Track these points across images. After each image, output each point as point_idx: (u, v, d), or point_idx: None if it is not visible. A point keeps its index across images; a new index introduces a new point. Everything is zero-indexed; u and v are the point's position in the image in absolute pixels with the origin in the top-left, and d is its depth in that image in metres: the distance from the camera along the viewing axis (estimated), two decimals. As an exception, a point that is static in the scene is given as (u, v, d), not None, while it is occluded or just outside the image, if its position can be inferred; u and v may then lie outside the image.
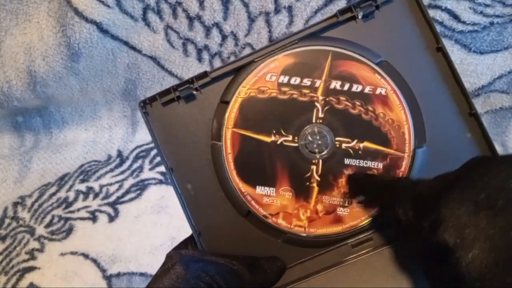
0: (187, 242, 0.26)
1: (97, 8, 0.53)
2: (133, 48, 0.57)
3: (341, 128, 0.26)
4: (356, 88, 0.26)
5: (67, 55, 0.56)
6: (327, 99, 0.26)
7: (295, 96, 0.26)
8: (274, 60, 0.26)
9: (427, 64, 0.26)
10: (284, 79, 0.26)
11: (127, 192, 0.54)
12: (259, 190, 0.26)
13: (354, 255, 0.25)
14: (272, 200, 0.26)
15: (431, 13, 0.52)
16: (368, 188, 0.24)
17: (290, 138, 0.26)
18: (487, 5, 0.51)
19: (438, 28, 0.52)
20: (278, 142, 0.26)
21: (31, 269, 0.47)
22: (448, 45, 0.52)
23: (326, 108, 0.26)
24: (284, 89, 0.26)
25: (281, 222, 0.26)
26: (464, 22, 0.52)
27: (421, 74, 0.26)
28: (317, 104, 0.26)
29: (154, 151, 0.60)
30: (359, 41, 0.26)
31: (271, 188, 0.26)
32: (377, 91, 0.26)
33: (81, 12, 0.53)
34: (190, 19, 0.55)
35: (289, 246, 0.26)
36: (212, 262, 0.23)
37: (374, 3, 0.26)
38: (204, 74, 0.26)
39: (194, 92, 0.27)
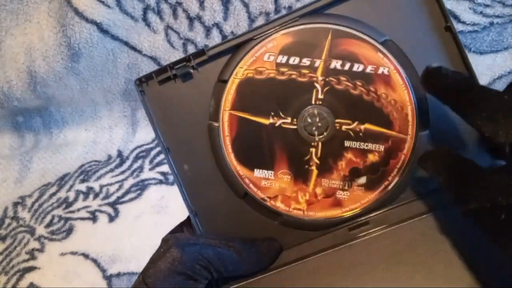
0: (183, 226, 0.26)
1: (98, 9, 0.53)
2: (133, 48, 0.57)
3: (341, 110, 0.25)
4: (358, 67, 0.25)
5: (67, 55, 0.56)
6: (327, 79, 0.25)
7: (294, 76, 0.25)
8: (272, 39, 0.25)
9: (434, 44, 0.25)
10: (282, 59, 0.25)
11: (127, 192, 0.54)
12: (257, 173, 0.26)
13: (350, 238, 0.25)
14: (271, 183, 0.26)
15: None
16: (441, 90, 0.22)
17: (289, 120, 0.26)
18: (487, 6, 0.51)
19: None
20: (277, 124, 0.26)
21: (31, 269, 0.47)
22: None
23: (326, 88, 0.25)
24: (282, 69, 0.25)
25: (279, 205, 0.26)
26: (464, 22, 0.52)
27: (427, 54, 0.25)
28: (316, 84, 0.25)
29: (154, 151, 0.60)
30: (363, 19, 0.25)
31: (270, 171, 0.26)
32: (380, 71, 0.25)
33: (82, 12, 0.53)
34: (190, 20, 0.55)
35: (286, 229, 0.26)
36: (208, 244, 0.23)
37: None
38: (202, 52, 0.25)
39: (191, 71, 0.26)
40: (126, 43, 0.57)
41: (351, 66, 0.25)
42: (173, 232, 0.25)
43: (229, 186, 0.26)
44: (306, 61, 0.25)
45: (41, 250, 0.49)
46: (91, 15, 0.53)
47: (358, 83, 0.25)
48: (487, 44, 0.52)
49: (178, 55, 0.58)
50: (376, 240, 0.24)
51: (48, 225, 0.52)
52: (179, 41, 0.57)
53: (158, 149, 0.61)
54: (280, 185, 0.26)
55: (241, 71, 0.26)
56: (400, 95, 0.25)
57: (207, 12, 0.55)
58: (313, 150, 0.26)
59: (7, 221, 0.54)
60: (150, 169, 0.57)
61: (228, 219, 0.26)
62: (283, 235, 0.26)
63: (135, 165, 0.58)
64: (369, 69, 0.25)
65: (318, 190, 0.26)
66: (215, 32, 0.56)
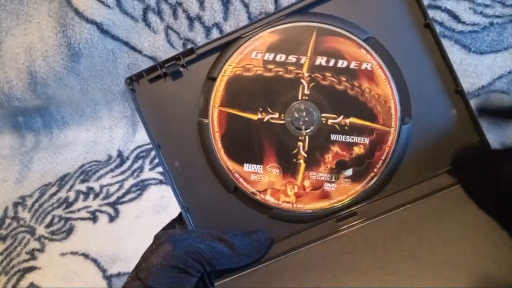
0: (174, 223, 0.26)
1: (98, 9, 0.53)
2: (133, 48, 0.58)
3: (327, 104, 0.26)
4: (342, 63, 0.26)
5: (67, 56, 0.56)
6: (312, 75, 0.26)
7: (280, 73, 0.26)
8: (260, 37, 0.26)
9: (415, 41, 0.26)
10: (269, 56, 0.26)
11: (127, 192, 0.54)
12: (247, 167, 0.26)
13: (338, 230, 0.25)
14: (260, 177, 0.26)
15: (431, 13, 0.52)
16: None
17: (276, 115, 0.26)
18: (487, 6, 0.51)
19: (438, 29, 0.52)
20: (265, 120, 0.26)
21: (32, 269, 0.48)
22: (448, 45, 0.52)
23: (312, 84, 0.26)
24: (269, 66, 0.26)
25: (269, 198, 0.26)
26: (464, 23, 0.52)
27: (408, 51, 0.26)
28: (302, 80, 0.26)
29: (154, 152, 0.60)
30: (346, 17, 0.26)
31: (259, 166, 0.26)
32: (363, 66, 0.26)
33: (82, 12, 0.53)
34: (191, 20, 0.55)
35: (276, 222, 0.26)
36: (200, 238, 0.23)
37: None
38: (191, 51, 0.26)
39: (181, 69, 0.26)
40: (126, 43, 0.57)
41: (336, 62, 0.26)
42: (165, 229, 0.26)
43: (219, 181, 0.27)
44: (292, 58, 0.26)
45: (41, 250, 0.49)
46: (91, 15, 0.53)
47: (343, 78, 0.26)
48: (487, 44, 0.52)
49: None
50: (363, 230, 0.24)
51: (48, 225, 0.52)
52: (179, 41, 0.57)
53: (158, 149, 0.61)
54: (269, 179, 0.26)
55: (230, 68, 0.26)
56: (383, 89, 0.26)
57: (207, 12, 0.55)
58: (300, 144, 0.26)
59: (7, 221, 0.54)
60: (150, 169, 0.57)
61: (219, 214, 0.27)
62: (273, 228, 0.26)
63: (135, 165, 0.58)
64: (352, 65, 0.26)
65: (306, 183, 0.26)
66: (215, 32, 0.56)
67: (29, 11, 0.56)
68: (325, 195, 0.26)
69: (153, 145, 0.26)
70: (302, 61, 0.26)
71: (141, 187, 0.55)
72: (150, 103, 0.27)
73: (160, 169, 0.57)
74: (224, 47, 0.26)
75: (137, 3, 0.54)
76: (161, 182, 0.55)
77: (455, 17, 0.51)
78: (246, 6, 0.54)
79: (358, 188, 0.26)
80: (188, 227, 0.26)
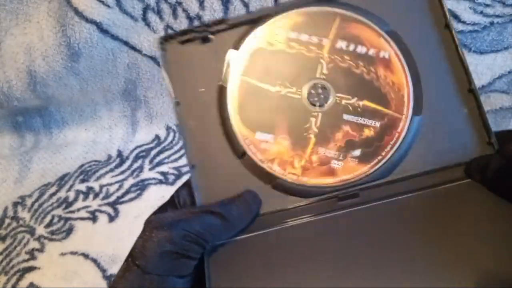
0: (166, 206, 0.26)
1: (97, 8, 0.53)
2: (133, 48, 0.57)
3: (342, 85, 0.27)
4: (361, 49, 0.27)
5: (67, 55, 0.56)
6: (332, 57, 0.27)
7: (302, 51, 0.27)
8: (286, 15, 0.28)
9: (433, 39, 0.27)
10: (293, 34, 0.28)
11: (127, 192, 0.54)
12: (259, 135, 0.27)
13: (337, 208, 0.26)
14: (270, 146, 0.27)
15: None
16: None
17: (293, 90, 0.27)
18: (487, 5, 0.51)
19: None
20: (282, 93, 0.27)
21: (31, 269, 0.47)
22: None
23: (330, 65, 0.27)
24: (292, 43, 0.28)
25: (275, 168, 0.27)
26: (464, 22, 0.52)
27: (426, 47, 0.27)
28: (322, 60, 0.27)
29: (154, 151, 0.60)
30: (371, 9, 0.27)
31: (270, 135, 0.27)
32: (381, 54, 0.27)
33: (81, 12, 0.53)
34: (190, 19, 0.55)
35: (278, 193, 0.27)
36: (193, 217, 0.23)
37: None
38: (222, 21, 0.28)
39: (211, 36, 0.28)
40: (126, 43, 0.57)
41: (355, 48, 0.27)
42: (156, 212, 0.26)
43: (229, 145, 0.27)
44: (314, 39, 0.27)
45: (41, 250, 0.49)
46: (91, 15, 0.53)
47: (360, 63, 0.27)
48: (487, 44, 0.52)
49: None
50: (362, 213, 0.25)
51: (48, 225, 0.52)
52: (179, 41, 0.57)
53: (158, 149, 0.61)
54: (278, 149, 0.27)
55: (255, 41, 0.28)
56: (398, 78, 0.27)
57: (207, 11, 0.55)
58: (313, 119, 0.27)
59: (7, 221, 0.54)
60: (150, 169, 0.57)
61: (224, 177, 0.27)
62: (273, 199, 0.27)
63: (135, 165, 0.58)
64: (371, 52, 0.27)
65: (314, 158, 0.27)
66: (215, 32, 0.56)
67: (29, 10, 0.56)
68: (331, 172, 0.27)
69: (173, 101, 0.28)
70: (323, 43, 0.27)
71: (141, 187, 0.55)
72: (177, 63, 0.28)
73: (160, 169, 0.57)
74: (253, 21, 0.28)
75: (136, 3, 0.54)
76: (161, 182, 0.55)
77: (455, 17, 0.51)
78: (246, 5, 0.54)
79: (364, 169, 0.26)
80: (192, 186, 0.26)
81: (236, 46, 0.28)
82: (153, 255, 0.22)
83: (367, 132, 0.27)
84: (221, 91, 0.28)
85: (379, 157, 0.26)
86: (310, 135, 0.27)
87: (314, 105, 0.27)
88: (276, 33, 0.28)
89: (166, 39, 0.28)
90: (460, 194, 0.24)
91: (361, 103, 0.27)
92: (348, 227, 0.24)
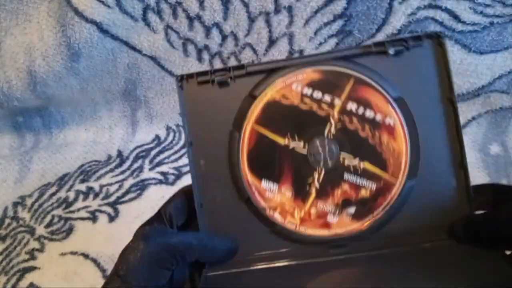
0: (153, 220, 0.28)
1: (97, 8, 0.53)
2: (133, 48, 0.58)
3: (348, 146, 0.29)
4: (369, 113, 0.29)
5: (67, 55, 0.56)
6: (341, 117, 0.29)
7: (314, 108, 0.29)
8: (303, 72, 0.29)
9: (437, 111, 0.29)
10: (308, 91, 0.29)
11: (127, 192, 0.54)
12: (264, 183, 0.29)
13: (327, 255, 0.28)
14: (273, 195, 0.29)
15: (431, 13, 0.52)
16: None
17: (301, 144, 0.29)
18: (487, 5, 0.51)
19: (438, 28, 0.52)
20: (290, 146, 0.29)
21: (31, 269, 0.47)
22: (448, 45, 0.53)
23: (339, 125, 0.29)
24: (306, 100, 0.29)
25: (277, 216, 0.29)
26: (464, 22, 0.52)
27: (429, 116, 0.29)
28: (332, 120, 0.29)
29: (154, 151, 0.60)
30: (383, 73, 0.29)
31: (275, 184, 0.29)
32: (387, 121, 0.29)
33: (81, 12, 0.53)
34: (190, 19, 0.55)
35: (276, 237, 0.29)
36: (172, 233, 0.26)
37: (406, 44, 0.28)
38: (241, 66, 0.29)
39: (228, 80, 0.29)
40: (126, 43, 0.57)
41: (364, 111, 0.29)
42: (143, 225, 0.27)
43: (235, 189, 0.29)
44: (327, 98, 0.29)
45: (41, 250, 0.49)
46: (91, 15, 0.53)
47: (367, 126, 0.29)
48: (487, 44, 0.52)
49: (178, 54, 0.58)
50: (348, 262, 0.27)
51: (48, 225, 0.52)
52: (179, 40, 0.57)
53: (158, 149, 0.61)
54: (281, 199, 0.29)
55: (270, 92, 0.29)
56: (399, 145, 0.29)
57: (207, 11, 0.55)
58: (316, 175, 0.29)
59: (7, 221, 0.54)
60: (150, 169, 0.57)
61: (227, 216, 0.29)
62: (270, 242, 0.29)
63: (135, 165, 0.58)
64: (378, 117, 0.29)
65: (313, 210, 0.29)
66: (215, 32, 0.56)
67: (29, 10, 0.56)
68: (326, 225, 0.29)
69: (186, 140, 0.29)
70: (335, 102, 0.29)
71: (141, 187, 0.55)
72: (193, 102, 0.29)
73: (160, 169, 0.57)
74: (271, 71, 0.29)
75: (136, 3, 0.54)
76: (161, 182, 0.55)
77: (455, 17, 0.51)
78: (246, 5, 0.54)
79: (356, 225, 0.29)
80: (199, 223, 0.28)
81: (252, 94, 0.29)
82: (132, 266, 0.24)
83: (363, 193, 0.29)
84: (232, 137, 0.29)
85: (371, 216, 0.29)
86: (312, 190, 0.29)
87: (319, 162, 0.29)
88: (292, 88, 0.29)
89: (184, 78, 0.29)
90: (443, 252, 0.27)
91: (362, 165, 0.29)
92: (335, 274, 0.27)
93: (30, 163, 0.62)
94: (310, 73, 0.29)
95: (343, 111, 0.29)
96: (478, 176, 0.51)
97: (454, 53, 0.53)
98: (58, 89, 0.60)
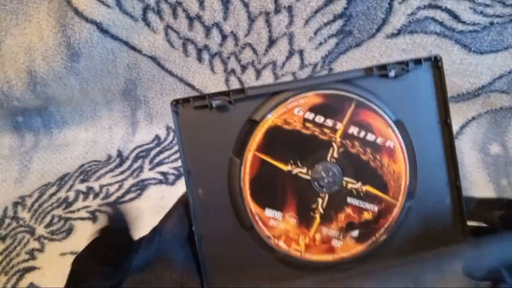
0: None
1: (97, 8, 0.53)
2: (133, 48, 0.57)
3: (350, 170, 0.29)
4: (370, 137, 0.29)
5: (67, 55, 0.56)
6: (343, 141, 0.29)
7: (316, 133, 0.29)
8: (305, 96, 0.28)
9: (434, 133, 0.29)
10: (310, 116, 0.29)
11: (127, 192, 0.54)
12: (268, 212, 0.28)
13: (332, 279, 0.28)
14: (277, 223, 0.28)
15: (431, 13, 0.52)
16: None
17: (304, 170, 0.29)
18: (487, 5, 0.51)
19: (438, 28, 0.52)
20: (293, 172, 0.29)
21: (31, 269, 0.47)
22: (448, 45, 0.52)
23: (341, 149, 0.29)
24: (308, 124, 0.29)
25: (281, 244, 0.28)
26: (464, 22, 0.52)
27: (426, 139, 0.29)
28: (334, 144, 0.29)
29: (154, 151, 0.60)
30: (383, 96, 0.29)
31: (279, 212, 0.28)
32: (387, 144, 0.29)
33: (81, 12, 0.53)
34: (190, 19, 0.55)
35: (280, 264, 0.29)
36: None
37: (406, 67, 0.29)
38: (241, 90, 0.28)
39: (228, 104, 0.28)
40: (126, 43, 0.57)
41: (366, 135, 0.29)
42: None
43: (237, 218, 0.28)
44: (329, 122, 0.29)
45: (41, 250, 0.49)
46: (91, 15, 0.53)
47: (368, 150, 0.29)
48: (487, 44, 0.52)
49: (178, 54, 0.58)
50: (352, 282, 0.27)
51: (48, 225, 0.52)
52: (179, 40, 0.57)
53: (158, 149, 0.61)
54: (285, 227, 0.29)
55: (272, 118, 0.28)
56: (399, 167, 0.29)
57: (207, 11, 0.55)
58: (320, 200, 0.29)
59: (7, 221, 0.54)
60: (150, 169, 0.57)
61: (229, 246, 0.28)
62: (275, 269, 0.29)
63: (135, 165, 0.58)
64: (379, 140, 0.29)
65: (317, 236, 0.29)
66: (215, 32, 0.56)
67: (29, 10, 0.56)
68: (331, 250, 0.29)
69: (184, 169, 0.27)
70: (337, 127, 0.29)
71: (141, 187, 0.55)
72: (190, 129, 0.28)
73: (160, 169, 0.57)
74: (271, 95, 0.28)
75: (136, 3, 0.54)
76: (161, 182, 0.55)
77: (455, 17, 0.51)
78: (246, 5, 0.54)
79: (360, 248, 0.29)
80: (199, 256, 0.28)
81: (253, 119, 0.28)
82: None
83: (366, 215, 0.29)
84: (233, 163, 0.28)
85: (374, 238, 0.29)
86: (316, 215, 0.29)
87: (322, 187, 0.29)
88: (294, 112, 0.28)
89: (179, 102, 0.28)
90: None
91: (364, 188, 0.29)
92: None
93: (30, 163, 0.62)
94: (311, 97, 0.28)
95: (345, 135, 0.29)
96: (478, 176, 0.51)
97: (454, 53, 0.53)
98: (58, 89, 0.60)
